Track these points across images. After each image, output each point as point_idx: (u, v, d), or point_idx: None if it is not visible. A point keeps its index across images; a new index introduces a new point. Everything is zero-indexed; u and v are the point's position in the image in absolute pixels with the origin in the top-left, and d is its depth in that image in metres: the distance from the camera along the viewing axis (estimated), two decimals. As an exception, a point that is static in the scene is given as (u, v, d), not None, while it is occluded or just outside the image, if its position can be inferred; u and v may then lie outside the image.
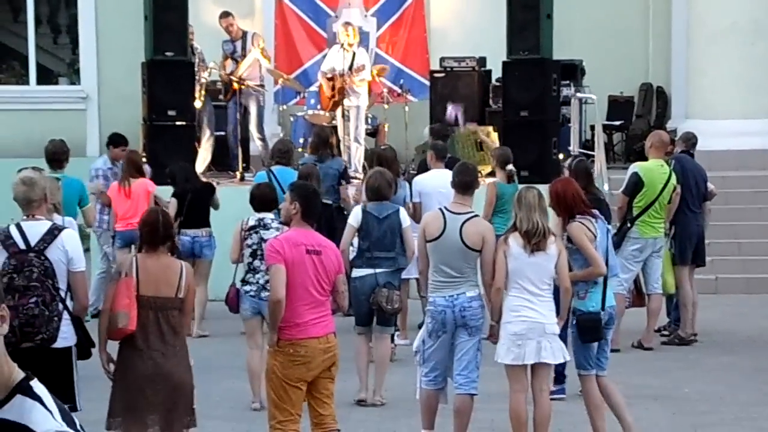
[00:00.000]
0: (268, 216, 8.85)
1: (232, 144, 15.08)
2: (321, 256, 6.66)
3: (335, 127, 15.21)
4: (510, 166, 11.19)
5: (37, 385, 2.55)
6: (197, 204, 11.56)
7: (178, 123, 13.92)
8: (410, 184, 11.13)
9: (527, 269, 7.25)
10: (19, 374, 2.56)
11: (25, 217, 6.64)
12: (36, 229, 6.52)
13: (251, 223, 8.85)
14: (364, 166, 14.12)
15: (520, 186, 7.87)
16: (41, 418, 2.49)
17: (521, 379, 7.37)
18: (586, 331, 7.71)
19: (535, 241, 7.22)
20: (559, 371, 8.94)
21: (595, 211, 8.15)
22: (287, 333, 6.62)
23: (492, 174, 12.59)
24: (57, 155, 10.86)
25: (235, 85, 14.90)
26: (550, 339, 7.29)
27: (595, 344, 7.87)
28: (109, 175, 12.48)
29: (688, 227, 11.08)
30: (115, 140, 12.61)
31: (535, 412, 7.41)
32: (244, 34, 15.16)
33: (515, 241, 7.26)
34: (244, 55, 14.99)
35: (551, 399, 7.74)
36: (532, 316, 7.26)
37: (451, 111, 14.96)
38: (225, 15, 15.17)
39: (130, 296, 6.38)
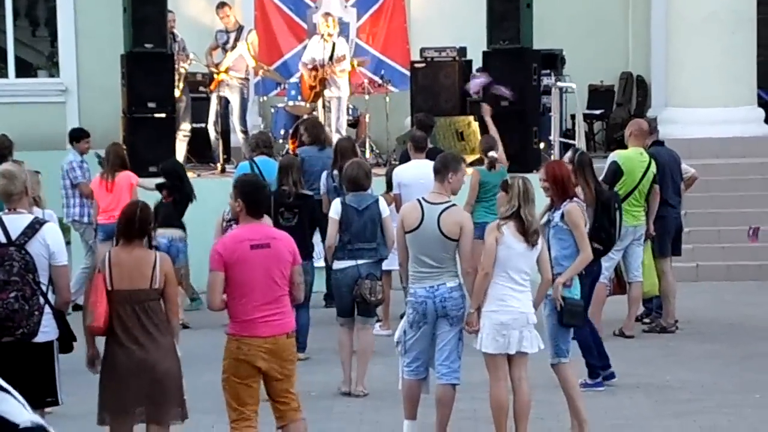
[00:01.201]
0: None
1: (214, 136, 15.05)
2: (270, 249, 6.51)
3: (316, 119, 15.20)
4: (492, 153, 11.18)
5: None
6: (179, 206, 11.52)
7: (158, 115, 13.87)
8: (388, 175, 11.13)
9: (517, 259, 7.27)
10: None
11: (6, 211, 6.61)
12: (17, 223, 6.49)
13: (232, 214, 8.82)
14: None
15: (512, 175, 7.82)
16: (15, 410, 2.47)
17: (501, 368, 7.38)
18: (573, 315, 7.79)
19: (535, 237, 7.25)
20: (593, 364, 9.01)
21: (577, 198, 8.23)
22: (233, 329, 6.57)
23: (476, 163, 12.61)
24: (3, 150, 10.80)
25: (221, 77, 14.85)
26: (530, 329, 7.33)
27: (571, 331, 7.94)
28: (84, 168, 12.52)
29: (666, 219, 11.11)
30: (78, 135, 12.73)
31: (515, 401, 7.43)
32: (240, 27, 15.13)
33: (509, 231, 7.25)
34: (235, 47, 14.94)
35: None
36: (517, 306, 7.29)
37: (478, 83, 14.47)
38: (222, 5, 15.10)
39: (97, 293, 6.37)
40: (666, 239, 11.18)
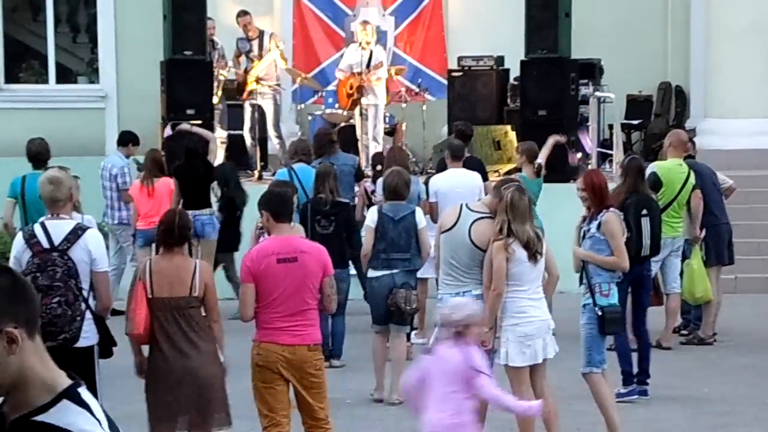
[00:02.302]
0: None
1: (250, 143, 15.12)
2: (297, 263, 6.53)
3: (353, 126, 15.23)
4: (538, 161, 11.17)
5: (85, 393, 2.53)
6: (198, 185, 11.67)
7: (196, 122, 13.95)
8: (427, 184, 11.12)
9: (529, 272, 7.28)
10: (66, 380, 2.53)
11: (49, 216, 6.67)
12: (60, 229, 6.55)
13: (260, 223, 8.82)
14: (374, 166, 14.01)
15: (508, 187, 7.63)
16: (88, 426, 2.46)
17: (526, 379, 7.39)
18: (610, 322, 7.79)
19: (534, 249, 7.22)
20: (627, 371, 8.97)
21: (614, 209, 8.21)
22: (256, 335, 6.68)
23: (512, 172, 12.56)
24: (42, 155, 10.92)
25: (251, 86, 14.93)
26: (550, 335, 7.38)
27: (606, 340, 7.94)
28: (130, 174, 12.68)
29: (717, 228, 11.05)
30: (130, 139, 12.95)
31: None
32: (261, 33, 15.18)
33: (518, 246, 7.24)
34: (260, 55, 15.01)
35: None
36: (538, 315, 7.32)
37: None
38: (243, 14, 15.20)
39: (137, 301, 6.43)
40: (721, 247, 11.12)
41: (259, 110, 15.10)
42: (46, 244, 6.52)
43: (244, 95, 15.08)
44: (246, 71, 14.98)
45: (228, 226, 12.01)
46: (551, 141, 11.94)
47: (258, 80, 14.92)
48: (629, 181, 9.31)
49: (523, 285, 7.26)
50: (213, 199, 12.21)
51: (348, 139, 14.60)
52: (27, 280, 2.64)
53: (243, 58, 15.13)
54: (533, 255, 7.21)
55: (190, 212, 11.13)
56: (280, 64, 15.15)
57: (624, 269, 7.99)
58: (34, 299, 2.59)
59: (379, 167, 10.81)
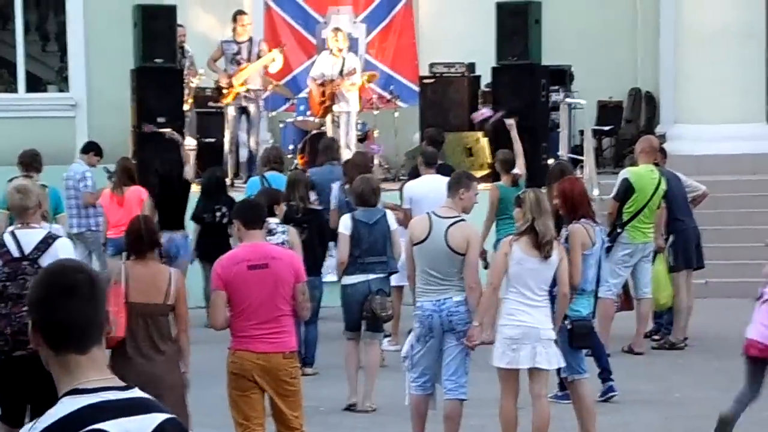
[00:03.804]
0: (273, 221, 8.67)
1: (228, 149, 14.85)
2: (268, 270, 6.52)
3: (324, 134, 15.19)
4: (516, 170, 11.16)
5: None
6: (173, 205, 11.63)
7: (167, 130, 13.88)
8: (401, 190, 11.13)
9: (527, 275, 7.24)
10: (77, 403, 2.57)
11: (19, 225, 6.63)
12: (30, 237, 6.51)
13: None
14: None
15: (526, 189, 7.79)
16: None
17: (512, 384, 7.36)
18: (578, 337, 7.75)
19: (548, 249, 7.21)
20: (606, 368, 8.94)
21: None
22: (231, 343, 6.68)
23: (485, 178, 12.59)
24: (37, 158, 10.86)
25: (238, 89, 14.72)
26: (545, 345, 7.27)
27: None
28: (91, 179, 12.67)
29: (686, 233, 11.09)
30: (91, 148, 12.98)
31: (534, 418, 7.41)
32: (250, 38, 15.03)
33: (519, 247, 7.24)
34: (249, 59, 14.80)
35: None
36: (527, 321, 7.25)
37: (481, 114, 14.33)
38: (240, 13, 14.92)
39: (118, 303, 6.38)
40: (689, 252, 11.16)
41: (246, 114, 14.89)
42: (16, 253, 6.48)
43: (229, 99, 14.82)
44: (230, 75, 14.71)
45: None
46: (514, 133, 11.93)
47: (244, 83, 14.76)
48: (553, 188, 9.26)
49: (521, 287, 7.24)
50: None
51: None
52: (81, 296, 2.60)
53: (222, 61, 14.87)
54: (543, 255, 7.16)
55: (165, 233, 11.17)
56: (275, 67, 15.01)
57: (573, 282, 7.75)
58: (67, 315, 2.58)
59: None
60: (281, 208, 8.95)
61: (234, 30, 14.87)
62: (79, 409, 2.51)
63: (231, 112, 14.82)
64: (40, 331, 2.59)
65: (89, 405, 2.52)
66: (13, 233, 6.57)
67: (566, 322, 7.79)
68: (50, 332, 2.58)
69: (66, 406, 2.53)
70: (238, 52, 14.83)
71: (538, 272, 7.26)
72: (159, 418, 2.57)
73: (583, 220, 8.03)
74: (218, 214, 11.69)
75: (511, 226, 10.60)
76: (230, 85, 14.66)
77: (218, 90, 14.95)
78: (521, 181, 11.15)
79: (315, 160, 12.57)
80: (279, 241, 8.34)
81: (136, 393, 2.60)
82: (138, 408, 2.56)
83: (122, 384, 2.60)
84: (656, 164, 11.37)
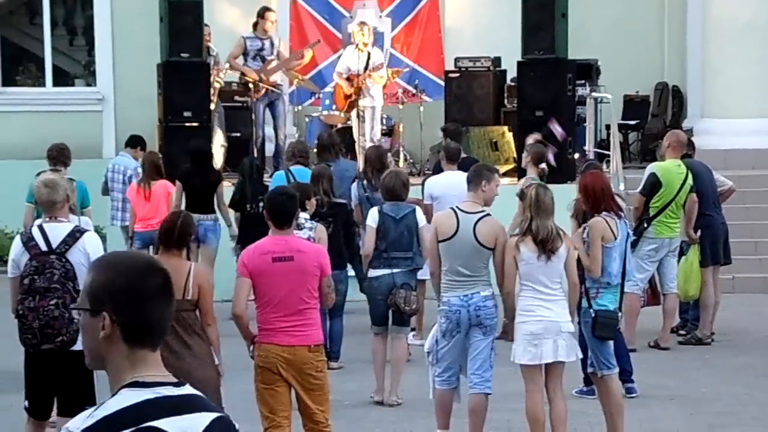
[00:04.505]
0: (303, 215, 8.64)
1: (261, 144, 14.89)
2: (293, 263, 6.53)
3: (350, 128, 15.22)
4: (543, 165, 11.12)
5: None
6: (204, 191, 11.65)
7: (193, 124, 13.95)
8: (423, 185, 11.13)
9: (538, 272, 7.25)
10: (139, 396, 2.58)
11: (47, 219, 6.67)
12: (58, 231, 6.55)
13: None
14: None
15: (531, 185, 7.79)
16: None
17: (537, 380, 7.36)
18: (602, 327, 7.75)
19: (549, 247, 7.20)
20: (625, 369, 8.89)
21: (621, 212, 8.17)
22: (258, 336, 6.67)
23: (509, 173, 12.57)
24: (64, 152, 10.92)
25: (267, 85, 14.77)
26: (565, 337, 7.29)
27: (611, 342, 7.90)
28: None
29: (714, 228, 11.05)
30: (138, 142, 13.09)
31: (552, 412, 7.41)
32: (270, 36, 15.10)
33: (526, 247, 7.24)
34: (275, 56, 14.85)
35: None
36: (547, 315, 7.26)
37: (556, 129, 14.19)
38: (267, 10, 14.97)
39: None
40: (717, 247, 11.11)
41: (271, 109, 14.96)
42: (44, 247, 6.52)
43: (259, 94, 14.78)
44: (260, 71, 14.70)
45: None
46: (530, 141, 11.94)
47: (274, 82, 14.87)
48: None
49: (533, 284, 7.24)
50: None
51: (345, 141, 14.57)
52: (170, 296, 2.65)
53: (240, 58, 14.88)
54: (546, 252, 7.18)
55: (194, 217, 11.19)
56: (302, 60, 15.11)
57: (593, 275, 7.82)
58: (153, 314, 2.60)
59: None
60: (312, 203, 8.96)
61: (257, 26, 14.89)
62: (137, 403, 2.53)
63: (261, 107, 14.85)
64: (121, 325, 2.57)
65: (147, 401, 2.54)
66: (41, 227, 6.61)
67: (590, 311, 7.79)
68: (135, 329, 2.58)
69: (125, 398, 2.54)
70: (262, 48, 14.86)
71: (547, 267, 7.25)
72: (208, 417, 2.59)
73: (604, 213, 8.01)
74: (261, 205, 11.66)
75: None
76: (260, 81, 14.69)
77: (245, 86, 14.98)
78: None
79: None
80: (305, 236, 8.36)
81: (189, 390, 2.61)
82: (190, 406, 2.58)
83: (176, 380, 2.60)
84: (688, 156, 11.28)
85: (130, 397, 2.54)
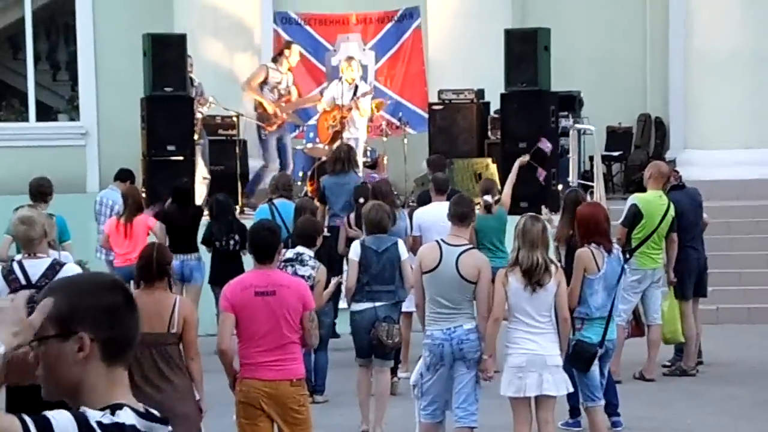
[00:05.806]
0: (308, 252, 8.63)
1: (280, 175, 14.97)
2: (275, 297, 6.51)
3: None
4: (487, 197, 11.01)
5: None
6: (187, 229, 11.63)
7: (177, 158, 13.94)
8: (410, 216, 11.11)
9: (526, 304, 7.24)
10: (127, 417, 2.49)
11: (26, 255, 6.63)
12: (37, 268, 6.51)
13: (288, 255, 8.64)
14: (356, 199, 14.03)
15: (523, 216, 7.76)
16: None
17: (524, 413, 7.34)
18: (576, 357, 7.73)
19: (536, 279, 7.19)
20: (574, 405, 8.90)
21: (617, 247, 8.17)
22: (240, 371, 6.65)
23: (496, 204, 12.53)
24: (44, 188, 10.88)
25: (284, 116, 14.93)
26: (552, 371, 7.26)
27: (597, 375, 7.88)
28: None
29: (687, 262, 11.04)
30: (127, 176, 12.99)
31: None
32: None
33: (514, 277, 7.23)
34: (288, 89, 15.03)
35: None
36: (532, 348, 7.24)
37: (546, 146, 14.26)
38: (292, 44, 15.26)
39: None
40: (687, 282, 11.10)
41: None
42: (23, 281, 6.48)
43: (274, 127, 14.92)
44: (277, 103, 14.85)
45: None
46: (516, 166, 12.01)
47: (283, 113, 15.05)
48: (567, 216, 9.24)
49: (521, 315, 7.23)
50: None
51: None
52: (137, 311, 2.60)
53: (263, 90, 14.88)
54: (532, 284, 7.16)
55: (178, 256, 11.17)
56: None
57: (570, 305, 7.66)
58: (128, 330, 2.56)
59: (362, 200, 10.76)
60: (320, 241, 8.89)
61: (280, 59, 15.03)
62: (134, 425, 2.47)
63: (273, 141, 14.91)
64: (101, 343, 2.51)
65: (135, 428, 2.48)
66: (20, 263, 6.57)
67: (572, 340, 7.77)
68: (114, 345, 2.53)
69: (128, 416, 2.48)
70: (280, 82, 15.04)
71: (536, 299, 7.24)
72: None
73: (593, 245, 8.01)
74: (231, 242, 11.66)
75: (488, 255, 10.39)
76: (275, 115, 14.82)
77: (263, 114, 14.94)
78: (500, 209, 11.04)
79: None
80: (306, 274, 8.29)
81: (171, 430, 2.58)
82: None
83: (164, 417, 2.56)
84: (680, 188, 11.23)
85: (130, 417, 2.48)
